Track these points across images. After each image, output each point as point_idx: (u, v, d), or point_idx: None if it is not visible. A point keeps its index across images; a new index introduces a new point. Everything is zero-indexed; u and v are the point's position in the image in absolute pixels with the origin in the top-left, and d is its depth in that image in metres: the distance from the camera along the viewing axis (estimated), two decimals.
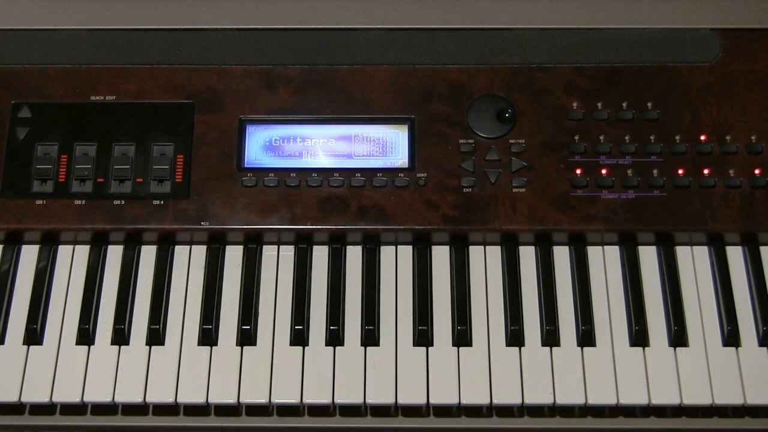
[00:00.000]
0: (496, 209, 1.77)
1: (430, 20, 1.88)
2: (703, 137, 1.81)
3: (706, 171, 1.80)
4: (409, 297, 1.77)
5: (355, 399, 1.69)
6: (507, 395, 1.69)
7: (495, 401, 1.69)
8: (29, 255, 1.80)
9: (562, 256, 1.79)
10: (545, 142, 1.81)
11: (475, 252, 1.80)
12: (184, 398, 1.70)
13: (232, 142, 1.81)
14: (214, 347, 1.73)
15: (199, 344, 1.73)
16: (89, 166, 1.80)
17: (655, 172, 1.80)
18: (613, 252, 1.80)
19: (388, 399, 1.69)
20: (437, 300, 1.76)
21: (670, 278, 1.77)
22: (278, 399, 1.70)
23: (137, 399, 1.70)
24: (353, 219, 1.77)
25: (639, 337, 1.73)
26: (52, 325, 1.75)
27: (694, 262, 1.79)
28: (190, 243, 1.81)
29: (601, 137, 1.81)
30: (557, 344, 1.73)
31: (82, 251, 1.80)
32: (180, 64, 1.85)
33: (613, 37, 1.87)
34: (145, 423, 1.73)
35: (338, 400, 1.69)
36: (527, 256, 1.79)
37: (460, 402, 1.69)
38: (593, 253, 1.80)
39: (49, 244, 1.80)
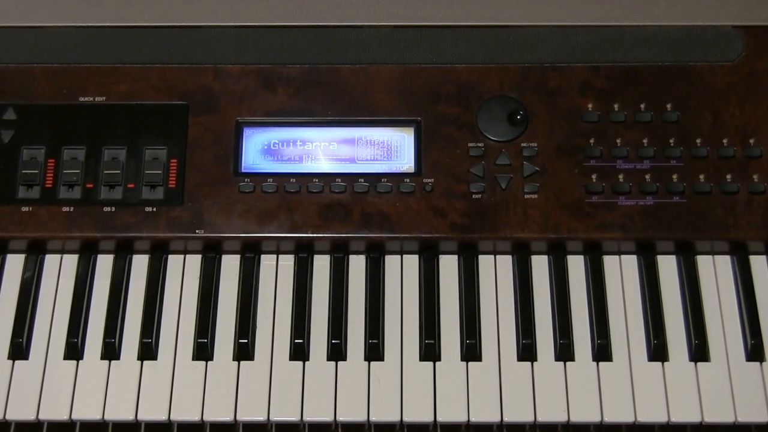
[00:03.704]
0: (507, 216, 1.76)
1: (437, 17, 1.87)
2: (725, 140, 1.80)
3: (728, 176, 1.78)
4: (415, 309, 1.75)
5: (359, 417, 1.68)
6: (518, 413, 1.68)
7: (506, 419, 1.67)
8: (14, 264, 1.78)
9: (576, 265, 1.78)
10: (559, 145, 1.80)
11: (485, 261, 1.78)
12: (178, 416, 1.68)
13: (228, 146, 1.80)
14: (209, 362, 1.72)
15: (193, 359, 1.72)
16: (78, 171, 1.78)
17: (674, 177, 1.78)
18: (631, 261, 1.78)
19: (393, 417, 1.68)
20: (445, 312, 1.75)
21: (690, 289, 1.75)
22: (277, 417, 1.68)
23: (128, 417, 1.68)
24: (356, 227, 1.76)
25: (658, 351, 1.71)
26: (39, 338, 1.74)
27: (715, 272, 1.78)
28: (185, 252, 1.79)
29: (618, 140, 1.80)
30: (571, 359, 1.71)
31: (71, 260, 1.78)
32: (174, 63, 1.85)
33: (631, 34, 1.86)
34: None
35: (340, 418, 1.68)
36: (540, 265, 1.78)
37: (469, 420, 1.67)
38: (610, 262, 1.78)
39: (36, 253, 1.79)
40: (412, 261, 1.78)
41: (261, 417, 1.67)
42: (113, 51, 1.85)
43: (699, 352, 1.70)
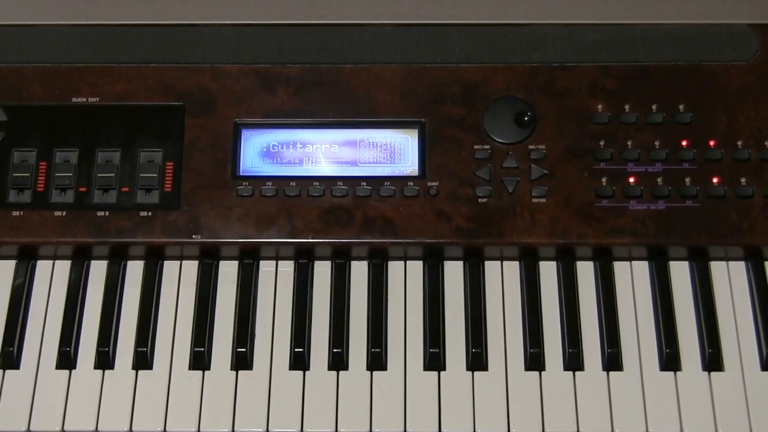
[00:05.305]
0: (514, 221, 1.75)
1: (442, 15, 1.87)
2: (739, 142, 1.79)
3: (743, 179, 1.77)
4: (419, 317, 1.74)
5: (361, 428, 1.66)
6: (526, 425, 1.66)
7: (513, 431, 1.66)
8: (5, 271, 1.77)
9: (586, 272, 1.77)
10: (568, 147, 1.79)
11: (492, 268, 1.77)
12: (174, 427, 1.67)
13: (226, 148, 1.79)
14: (206, 372, 1.71)
15: (190, 368, 1.71)
16: (70, 174, 1.77)
17: (687, 180, 1.77)
18: (642, 268, 1.77)
19: (396, 428, 1.66)
20: (450, 320, 1.73)
21: (703, 296, 1.74)
22: (276, 429, 1.67)
23: (123, 428, 1.67)
24: (358, 232, 1.75)
25: (670, 360, 1.70)
26: (30, 347, 1.73)
27: (730, 278, 1.76)
28: (181, 258, 1.78)
29: (629, 143, 1.79)
30: (581, 368, 1.70)
31: (63, 267, 1.77)
32: (170, 63, 1.84)
33: (642, 33, 1.85)
34: None
35: (342, 430, 1.67)
36: (548, 272, 1.77)
37: None
38: (620, 268, 1.77)
39: (27, 259, 1.78)
40: (416, 267, 1.77)
41: (260, 429, 1.66)
42: (107, 50, 1.84)
43: (713, 361, 1.69)
